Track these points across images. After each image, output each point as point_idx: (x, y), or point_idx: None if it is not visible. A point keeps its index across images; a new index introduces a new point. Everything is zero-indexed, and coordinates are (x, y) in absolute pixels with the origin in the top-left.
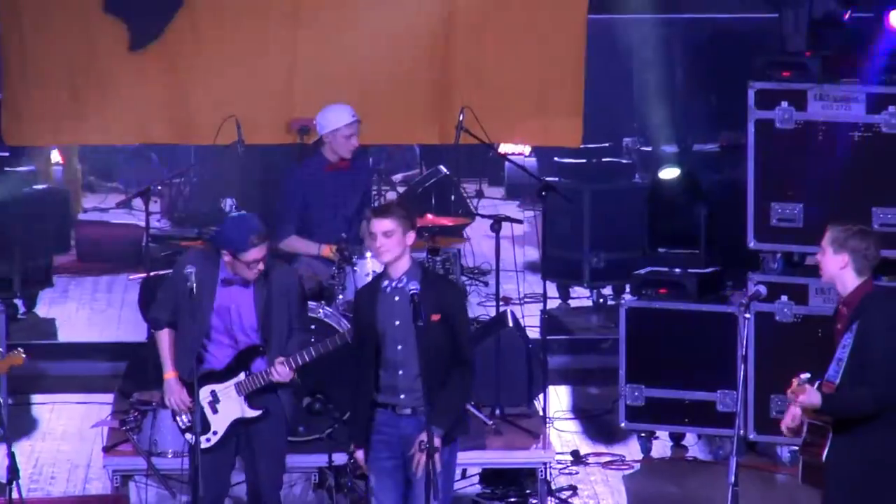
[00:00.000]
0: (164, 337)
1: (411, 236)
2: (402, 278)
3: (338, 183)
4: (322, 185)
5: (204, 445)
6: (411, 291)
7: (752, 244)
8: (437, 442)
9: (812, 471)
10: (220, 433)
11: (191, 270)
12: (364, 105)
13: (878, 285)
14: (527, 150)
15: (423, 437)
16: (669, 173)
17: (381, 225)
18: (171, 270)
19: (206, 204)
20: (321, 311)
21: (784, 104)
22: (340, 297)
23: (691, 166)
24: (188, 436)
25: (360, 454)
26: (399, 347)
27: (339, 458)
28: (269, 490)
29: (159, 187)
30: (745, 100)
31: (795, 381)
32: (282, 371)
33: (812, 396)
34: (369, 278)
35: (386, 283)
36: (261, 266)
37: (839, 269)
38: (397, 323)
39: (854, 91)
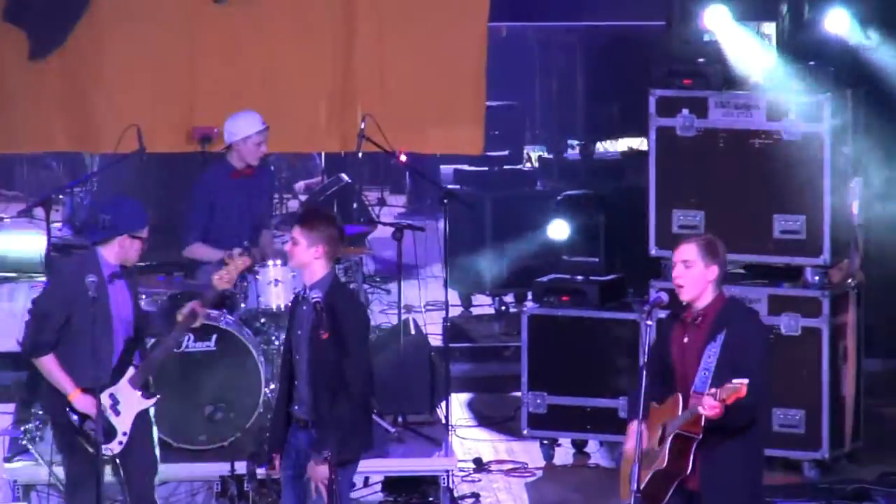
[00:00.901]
0: (52, 359)
1: (319, 249)
2: (309, 288)
3: (242, 190)
4: (227, 193)
5: (117, 450)
6: (314, 300)
7: (653, 251)
8: (321, 467)
9: (659, 483)
10: (128, 432)
11: (92, 279)
12: (265, 113)
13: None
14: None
15: (311, 461)
16: (559, 230)
17: (294, 231)
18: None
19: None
20: (223, 319)
21: (685, 111)
22: (242, 305)
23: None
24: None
25: (275, 461)
26: (297, 357)
27: (242, 468)
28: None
29: (60, 196)
30: (646, 107)
31: (743, 387)
32: (199, 312)
33: (719, 408)
34: (271, 287)
35: (300, 290)
36: (145, 246)
37: (708, 283)
38: (299, 332)
39: (754, 98)
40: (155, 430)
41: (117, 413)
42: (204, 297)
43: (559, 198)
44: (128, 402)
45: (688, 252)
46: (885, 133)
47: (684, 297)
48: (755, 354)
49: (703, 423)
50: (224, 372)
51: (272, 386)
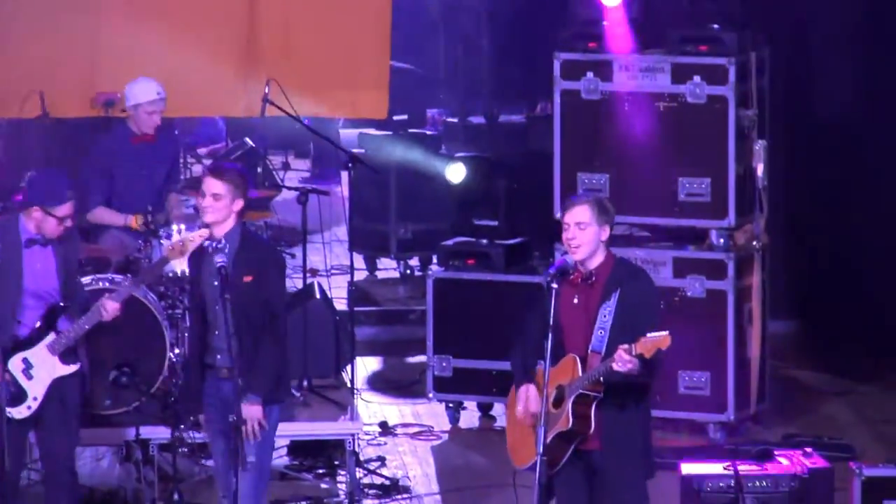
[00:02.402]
0: None
1: (238, 203)
2: (221, 239)
3: (144, 155)
4: (128, 157)
5: (25, 414)
6: (219, 264)
7: (558, 214)
8: (256, 407)
9: (562, 441)
10: (40, 398)
11: None
12: (169, 78)
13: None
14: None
15: (243, 406)
16: (456, 172)
17: (212, 186)
18: None
19: (10, 179)
20: (127, 283)
21: (590, 75)
22: None
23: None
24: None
25: (201, 417)
26: (217, 307)
27: (147, 432)
28: (63, 452)
29: None
30: (550, 70)
31: (668, 341)
32: (110, 306)
33: (635, 362)
34: None
35: (209, 243)
36: (69, 223)
37: (601, 242)
38: (216, 283)
39: (659, 61)
40: (78, 398)
41: (29, 377)
42: (143, 276)
43: (463, 160)
44: (43, 367)
45: (581, 213)
46: (790, 95)
47: (578, 257)
48: (655, 310)
49: (602, 383)
50: (129, 337)
51: (177, 350)
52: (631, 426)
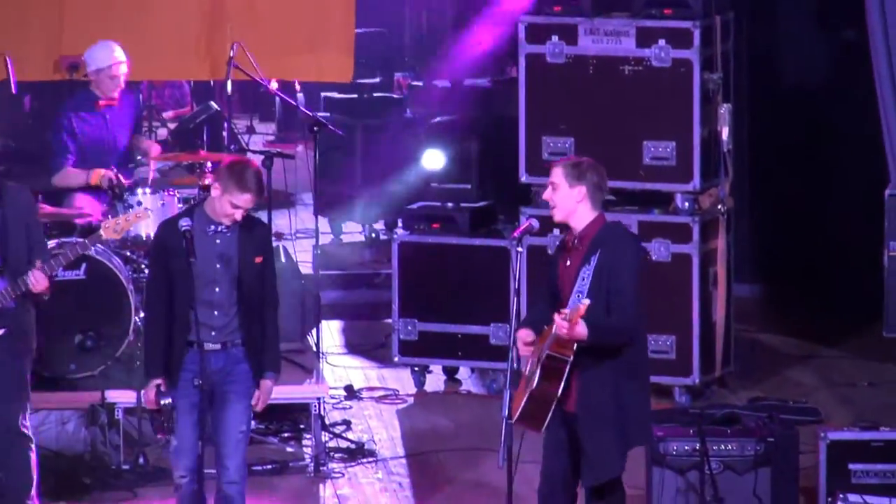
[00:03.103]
0: None
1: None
2: (223, 223)
3: (107, 118)
4: (92, 120)
5: None
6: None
7: (524, 178)
8: (271, 383)
9: (538, 403)
10: None
11: None
12: (134, 41)
13: (609, 219)
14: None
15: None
16: (433, 159)
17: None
18: None
19: None
20: (92, 248)
21: (555, 38)
22: None
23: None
24: None
25: (154, 386)
26: (217, 290)
27: (113, 396)
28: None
29: None
30: (515, 34)
31: (583, 307)
32: (39, 277)
33: (581, 328)
34: None
35: (212, 227)
36: None
37: (576, 204)
38: (218, 266)
39: (624, 25)
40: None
41: None
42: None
43: (429, 124)
44: None
45: (554, 174)
46: (755, 59)
47: (556, 217)
48: (624, 276)
49: (574, 346)
50: (94, 301)
51: (142, 314)
52: (603, 389)
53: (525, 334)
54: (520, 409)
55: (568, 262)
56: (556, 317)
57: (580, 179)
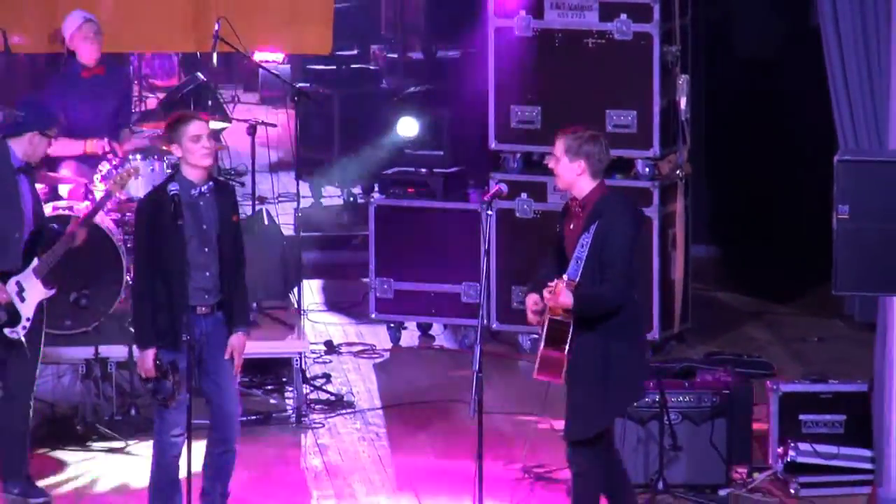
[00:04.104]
0: None
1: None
2: (209, 184)
3: (95, 89)
4: (80, 91)
5: (21, 334)
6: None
7: (493, 145)
8: (244, 338)
9: (549, 363)
10: (32, 319)
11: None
12: (123, 14)
13: (611, 186)
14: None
15: (233, 339)
16: (408, 127)
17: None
18: None
19: None
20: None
21: (522, 12)
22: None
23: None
24: (6, 330)
25: (151, 354)
26: (206, 250)
27: (106, 351)
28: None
29: None
30: (485, 8)
31: (560, 283)
32: (81, 233)
33: (566, 297)
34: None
35: (195, 190)
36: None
37: (576, 176)
38: (205, 227)
39: (588, 0)
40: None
41: (22, 300)
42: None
43: (403, 94)
44: (32, 291)
45: (556, 147)
46: (711, 32)
47: (558, 186)
48: (616, 247)
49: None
50: (88, 260)
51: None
52: (588, 353)
53: (532, 301)
54: (537, 366)
55: (572, 226)
56: (545, 289)
57: (579, 154)
